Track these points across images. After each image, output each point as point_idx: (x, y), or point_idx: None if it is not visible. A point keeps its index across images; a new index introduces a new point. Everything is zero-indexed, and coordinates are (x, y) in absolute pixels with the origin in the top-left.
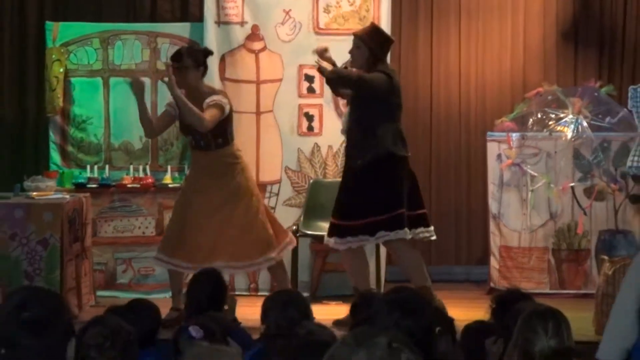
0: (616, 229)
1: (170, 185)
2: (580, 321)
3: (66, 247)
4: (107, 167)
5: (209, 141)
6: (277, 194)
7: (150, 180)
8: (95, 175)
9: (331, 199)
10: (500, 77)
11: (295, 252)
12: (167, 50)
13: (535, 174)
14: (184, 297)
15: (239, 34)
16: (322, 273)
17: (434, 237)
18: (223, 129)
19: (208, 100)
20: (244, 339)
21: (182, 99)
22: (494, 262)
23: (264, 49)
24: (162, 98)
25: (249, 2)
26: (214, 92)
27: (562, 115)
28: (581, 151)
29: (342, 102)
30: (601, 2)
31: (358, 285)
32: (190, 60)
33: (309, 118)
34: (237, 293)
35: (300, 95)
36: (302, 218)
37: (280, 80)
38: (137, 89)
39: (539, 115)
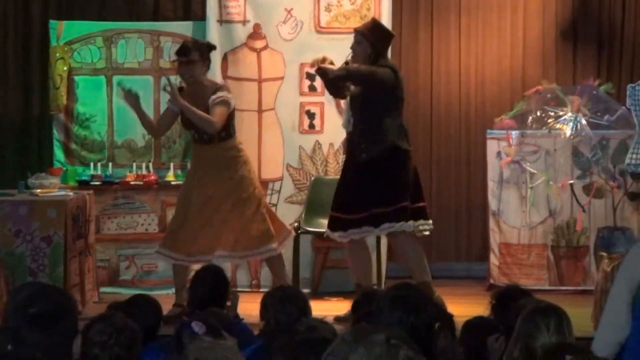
0: (615, 226)
1: (173, 183)
2: (579, 317)
3: (70, 243)
4: (110, 164)
5: (212, 135)
6: (279, 191)
7: (153, 177)
8: (99, 172)
9: (332, 196)
10: (499, 75)
11: (296, 248)
12: (169, 48)
13: (535, 172)
14: (186, 293)
15: (241, 33)
16: (323, 269)
17: (429, 231)
18: (226, 122)
19: (214, 97)
20: (246, 334)
21: (188, 107)
22: (493, 259)
23: (265, 47)
24: (165, 96)
25: (251, 1)
26: (217, 86)
27: (561, 113)
28: (580, 149)
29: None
30: (600, 0)
31: (360, 280)
32: (198, 54)
33: (311, 116)
34: (239, 289)
35: (301, 93)
36: (303, 215)
37: (282, 78)
38: (130, 101)
39: (538, 113)
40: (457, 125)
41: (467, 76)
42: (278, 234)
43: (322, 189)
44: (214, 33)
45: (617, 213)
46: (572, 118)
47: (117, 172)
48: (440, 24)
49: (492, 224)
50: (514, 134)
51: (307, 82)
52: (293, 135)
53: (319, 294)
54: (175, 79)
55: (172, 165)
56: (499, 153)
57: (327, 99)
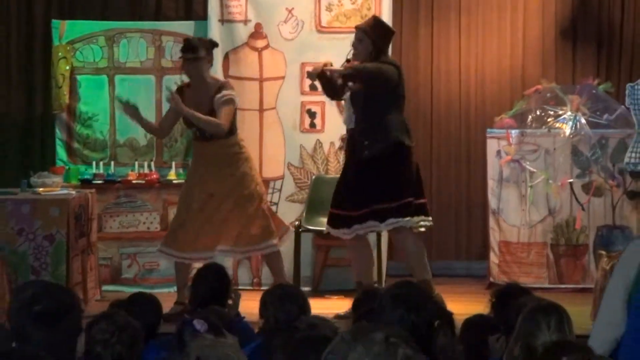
0: (614, 225)
1: (174, 181)
2: (578, 315)
3: (72, 242)
4: (112, 163)
5: (213, 135)
6: (280, 190)
7: (155, 176)
8: (101, 171)
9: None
10: (499, 74)
11: (297, 247)
12: (171, 48)
13: (534, 170)
14: (188, 291)
15: (243, 32)
16: (324, 268)
17: (424, 227)
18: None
19: (219, 95)
20: (247, 333)
21: (193, 115)
22: (493, 257)
23: (267, 47)
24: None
25: (252, 1)
26: (220, 84)
27: (560, 112)
28: (579, 148)
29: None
30: (599, 0)
31: (361, 278)
32: (204, 51)
33: (311, 115)
34: (240, 287)
35: (302, 93)
36: (304, 214)
37: (283, 77)
38: (129, 112)
39: (538, 112)
40: (457, 124)
41: (467, 75)
42: (277, 230)
43: (323, 187)
44: (215, 32)
45: (616, 211)
46: (571, 117)
47: (119, 171)
48: (440, 23)
49: (492, 222)
50: (514, 132)
51: (308, 82)
52: (294, 134)
53: (319, 292)
54: (181, 78)
55: (173, 164)
56: (498, 152)
57: (327, 98)
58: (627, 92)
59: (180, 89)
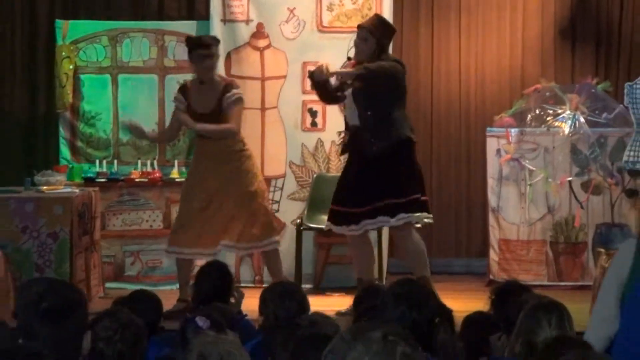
0: (612, 222)
1: (177, 180)
2: (577, 312)
3: (76, 240)
4: (115, 161)
5: None
6: (282, 188)
7: (157, 174)
8: (104, 169)
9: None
10: (499, 73)
11: (299, 245)
12: (173, 47)
13: (534, 169)
14: (190, 288)
15: (245, 32)
16: (325, 265)
17: (420, 224)
18: (229, 116)
19: (229, 95)
20: (249, 330)
21: (206, 128)
22: (493, 255)
23: (268, 46)
24: (169, 95)
25: (254, 1)
26: (227, 82)
27: (559, 111)
28: (578, 146)
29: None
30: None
31: (362, 274)
32: (217, 48)
33: (313, 114)
34: (242, 285)
35: (304, 92)
36: (305, 212)
37: (284, 77)
38: (136, 133)
39: (537, 111)
40: (457, 123)
41: (467, 75)
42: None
43: (324, 186)
44: (217, 32)
45: (615, 210)
46: (570, 116)
47: (122, 170)
48: (440, 23)
49: (491, 220)
50: (513, 131)
51: (309, 81)
52: (295, 133)
53: (321, 290)
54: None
55: (176, 162)
56: (498, 150)
57: (324, 103)
58: (625, 91)
59: (183, 88)
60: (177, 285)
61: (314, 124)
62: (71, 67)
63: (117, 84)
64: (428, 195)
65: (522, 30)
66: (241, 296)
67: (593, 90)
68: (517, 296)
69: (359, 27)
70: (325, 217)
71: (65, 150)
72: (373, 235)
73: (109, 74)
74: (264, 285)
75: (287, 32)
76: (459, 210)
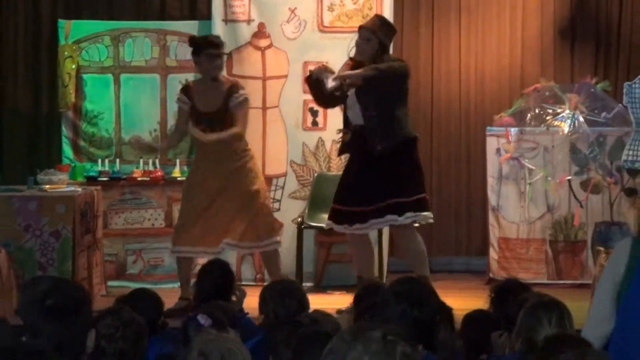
0: (611, 221)
1: (179, 179)
2: (576, 310)
3: (78, 238)
4: (117, 160)
5: (220, 129)
6: (283, 187)
7: (159, 173)
8: (106, 168)
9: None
10: (499, 73)
11: (300, 243)
12: (175, 47)
13: (533, 168)
14: (191, 287)
15: (246, 32)
16: (326, 264)
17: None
18: (236, 117)
19: (236, 95)
20: (250, 328)
21: (218, 137)
22: (492, 253)
23: (270, 46)
24: (171, 94)
25: (255, 1)
26: (232, 82)
27: (559, 110)
28: (578, 145)
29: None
30: None
31: (362, 273)
32: (225, 48)
33: (314, 113)
34: (243, 283)
35: (305, 91)
36: (306, 210)
37: (285, 76)
38: (142, 148)
39: (537, 111)
40: (457, 122)
41: (467, 74)
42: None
43: (325, 184)
44: (219, 32)
45: (614, 208)
46: (569, 115)
47: (124, 168)
48: (440, 23)
49: (491, 219)
50: (513, 131)
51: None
52: (296, 132)
53: (322, 288)
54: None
55: (178, 161)
56: (498, 150)
57: (320, 106)
58: (624, 90)
59: (186, 88)
60: (178, 284)
61: (314, 123)
62: (74, 66)
63: (119, 84)
64: (428, 194)
65: (521, 30)
66: (243, 295)
67: (592, 90)
68: (517, 294)
69: (361, 27)
70: (326, 216)
71: (67, 149)
72: (373, 235)
73: (111, 74)
74: (265, 284)
75: (288, 32)
76: (459, 209)
